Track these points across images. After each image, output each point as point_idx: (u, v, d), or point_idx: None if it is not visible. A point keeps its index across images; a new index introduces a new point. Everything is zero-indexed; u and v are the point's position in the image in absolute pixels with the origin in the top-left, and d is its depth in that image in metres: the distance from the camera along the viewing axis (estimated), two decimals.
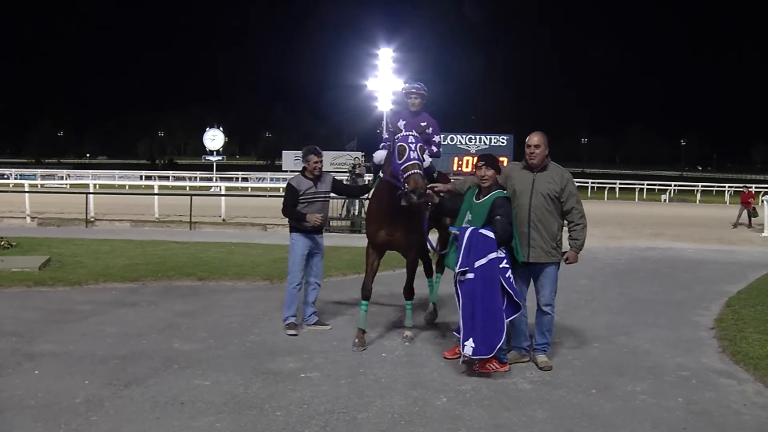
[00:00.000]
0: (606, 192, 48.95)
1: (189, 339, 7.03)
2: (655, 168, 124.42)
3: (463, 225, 6.16)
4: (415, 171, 6.11)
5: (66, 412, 4.99)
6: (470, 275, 5.92)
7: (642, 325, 7.98)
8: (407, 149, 6.22)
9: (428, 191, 6.34)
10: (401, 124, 7.16)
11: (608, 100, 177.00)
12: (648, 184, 52.76)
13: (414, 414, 5.06)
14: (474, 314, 5.88)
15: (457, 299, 6.06)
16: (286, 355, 6.48)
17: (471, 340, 5.86)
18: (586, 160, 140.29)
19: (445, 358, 6.36)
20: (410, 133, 6.38)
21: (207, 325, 7.57)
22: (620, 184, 52.33)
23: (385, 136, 7.42)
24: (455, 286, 6.09)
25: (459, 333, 6.00)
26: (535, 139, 6.14)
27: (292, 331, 7.23)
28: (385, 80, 41.45)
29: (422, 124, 7.13)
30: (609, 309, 8.88)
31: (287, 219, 7.52)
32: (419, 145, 6.32)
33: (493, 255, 5.90)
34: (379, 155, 7.20)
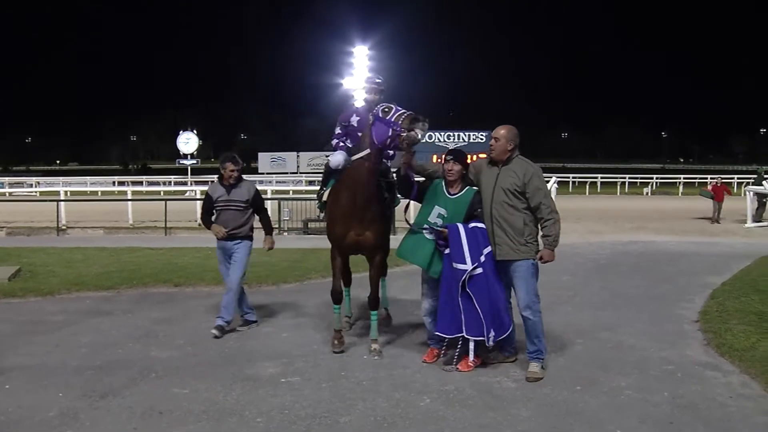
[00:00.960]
0: (587, 186, 49.33)
1: (166, 347, 6.99)
2: (636, 161, 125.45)
3: (435, 219, 6.13)
4: (409, 112, 6.05)
5: (39, 427, 4.94)
6: (479, 270, 5.94)
7: (625, 319, 8.04)
8: (392, 106, 6.18)
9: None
10: (355, 120, 7.16)
11: (588, 95, 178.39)
12: (630, 178, 53.20)
13: (397, 416, 5.07)
14: (490, 306, 5.95)
15: (460, 301, 5.96)
16: (265, 360, 6.46)
17: (492, 330, 5.95)
18: (566, 154, 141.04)
19: (425, 362, 6.32)
20: (388, 104, 6.28)
21: (185, 332, 7.53)
22: (602, 178, 52.70)
23: (337, 131, 7.25)
24: (447, 285, 6.03)
25: (471, 336, 5.99)
26: (499, 132, 5.97)
27: (215, 332, 7.30)
28: (361, 78, 41.47)
29: None
30: (592, 304, 8.94)
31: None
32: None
33: (489, 247, 5.98)
34: (337, 159, 6.83)
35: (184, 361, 6.47)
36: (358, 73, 41.59)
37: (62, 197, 22.82)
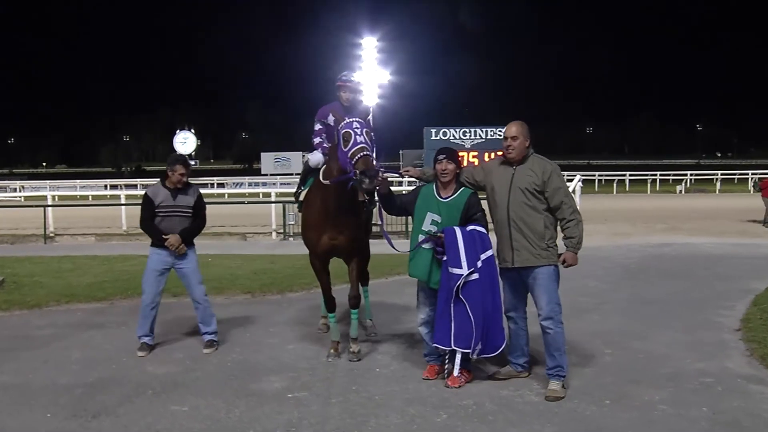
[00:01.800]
0: (615, 185, 49.15)
1: (163, 361, 7.02)
2: (668, 157, 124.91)
3: (429, 227, 6.13)
4: (365, 153, 6.04)
5: None
6: (475, 276, 5.91)
7: (658, 328, 8.00)
8: (352, 134, 6.16)
9: (383, 176, 6.25)
10: (330, 119, 7.19)
11: (613, 86, 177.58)
12: (661, 175, 52.96)
13: None
14: (483, 316, 5.92)
15: (452, 309, 5.96)
16: (270, 374, 6.48)
17: (480, 342, 5.94)
18: (591, 151, 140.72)
19: (426, 379, 6.26)
20: (353, 119, 6.32)
21: (183, 346, 7.57)
22: (630, 175, 52.50)
23: (316, 128, 7.34)
24: (446, 293, 6.00)
25: (459, 348, 5.98)
26: (512, 129, 5.92)
27: (141, 353, 7.23)
28: (369, 72, 41.51)
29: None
30: (620, 312, 8.92)
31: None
32: (365, 130, 6.25)
33: (489, 252, 5.98)
34: (317, 158, 7.09)
35: (182, 377, 6.49)
36: (367, 67, 41.65)
37: (49, 202, 22.90)
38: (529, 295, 6.11)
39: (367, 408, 5.57)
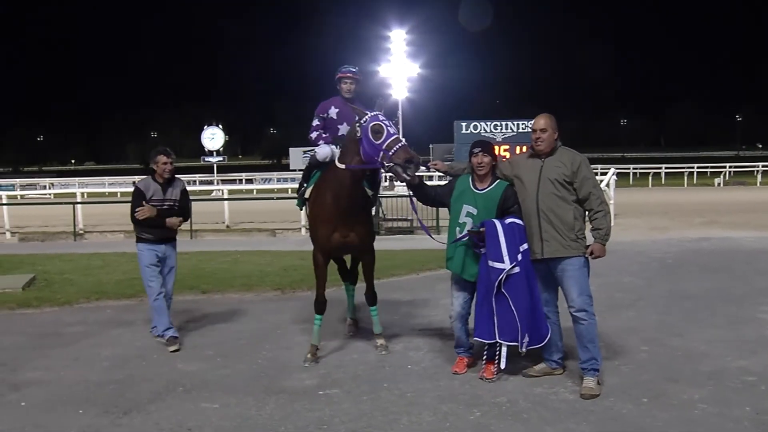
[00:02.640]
0: (650, 178, 48.68)
1: (194, 358, 7.08)
2: (706, 149, 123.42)
3: (464, 219, 6.16)
4: (403, 143, 6.18)
5: None
6: (517, 269, 5.92)
7: (696, 324, 7.92)
8: (384, 127, 6.25)
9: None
10: (333, 112, 7.31)
11: (648, 76, 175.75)
12: (699, 167, 52.38)
13: (444, 430, 5.07)
14: (529, 307, 5.94)
15: (494, 302, 5.95)
16: (301, 372, 6.52)
17: (526, 335, 5.94)
18: (626, 143, 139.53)
19: (456, 373, 6.32)
20: (377, 112, 6.41)
21: (213, 343, 7.63)
22: (666, 168, 51.98)
23: (315, 123, 7.37)
24: (485, 286, 6.01)
25: (504, 341, 5.98)
26: (541, 122, 5.95)
27: (173, 347, 7.37)
28: (398, 65, 41.52)
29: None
30: (657, 308, 8.83)
31: (136, 229, 7.65)
32: (392, 121, 6.43)
33: (526, 244, 5.98)
34: (324, 152, 7.08)
35: (213, 374, 6.55)
36: (396, 60, 41.65)
37: (79, 199, 23.16)
38: (558, 289, 6.12)
39: (398, 405, 5.57)
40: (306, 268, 11.37)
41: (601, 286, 9.82)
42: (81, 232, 19.88)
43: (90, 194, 35.64)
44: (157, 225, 7.42)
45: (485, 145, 6.25)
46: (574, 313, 5.86)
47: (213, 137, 59.40)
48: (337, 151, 6.97)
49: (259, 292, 10.33)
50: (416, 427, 5.15)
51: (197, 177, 53.10)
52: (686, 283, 10.51)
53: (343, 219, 6.75)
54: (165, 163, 7.44)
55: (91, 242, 18.72)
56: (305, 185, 7.25)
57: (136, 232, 7.60)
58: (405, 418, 5.30)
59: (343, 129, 7.28)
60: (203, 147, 60.70)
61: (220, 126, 61.74)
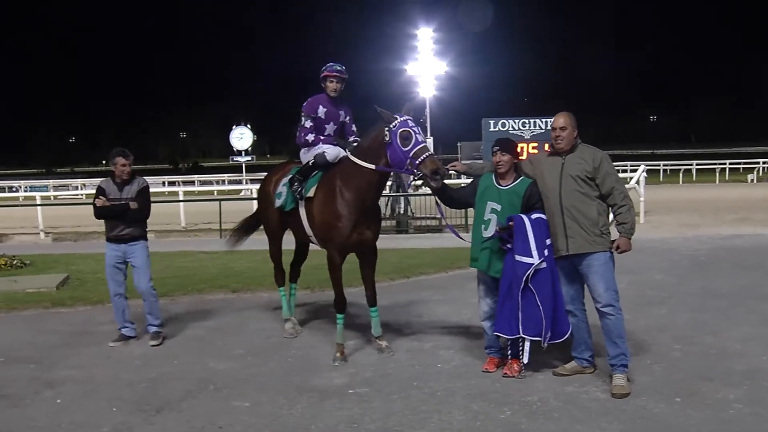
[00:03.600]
0: (681, 175, 48.21)
1: (224, 357, 7.12)
2: (737, 144, 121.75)
3: (489, 216, 6.17)
4: (430, 152, 6.30)
5: None
6: (544, 265, 5.93)
7: (730, 322, 7.81)
8: (412, 134, 6.33)
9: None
10: (321, 111, 7.34)
11: (677, 72, 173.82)
12: (730, 164, 51.72)
13: (475, 429, 5.06)
14: (552, 303, 5.96)
15: (519, 297, 5.94)
16: (331, 371, 6.54)
17: (550, 330, 5.97)
18: (655, 140, 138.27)
19: (486, 371, 6.31)
20: (406, 117, 6.46)
21: (243, 342, 7.67)
22: (697, 165, 51.42)
23: (308, 125, 7.36)
24: (509, 281, 6.01)
25: (528, 336, 5.98)
26: (560, 120, 5.97)
27: (114, 343, 7.63)
28: (426, 63, 41.44)
29: (341, 112, 7.46)
30: (689, 306, 8.73)
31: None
32: (419, 127, 6.49)
33: (549, 240, 5.99)
34: (336, 152, 7.14)
35: (243, 372, 6.58)
36: (423, 58, 41.56)
37: None
38: (584, 286, 6.10)
39: (429, 404, 5.57)
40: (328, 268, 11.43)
41: (632, 283, 9.75)
42: None
43: None
44: (116, 219, 7.59)
45: (504, 144, 6.27)
46: (601, 309, 5.85)
47: (241, 137, 59.75)
48: (344, 151, 7.10)
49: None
50: (447, 425, 5.14)
51: (226, 177, 53.34)
52: (719, 280, 10.38)
53: (364, 217, 6.83)
54: (123, 165, 7.59)
55: None
56: (303, 184, 7.16)
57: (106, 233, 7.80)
58: (435, 417, 5.29)
59: (330, 128, 7.42)
60: (232, 147, 61.13)
61: (249, 126, 62.08)
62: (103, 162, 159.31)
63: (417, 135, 6.33)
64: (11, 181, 57.91)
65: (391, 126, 6.41)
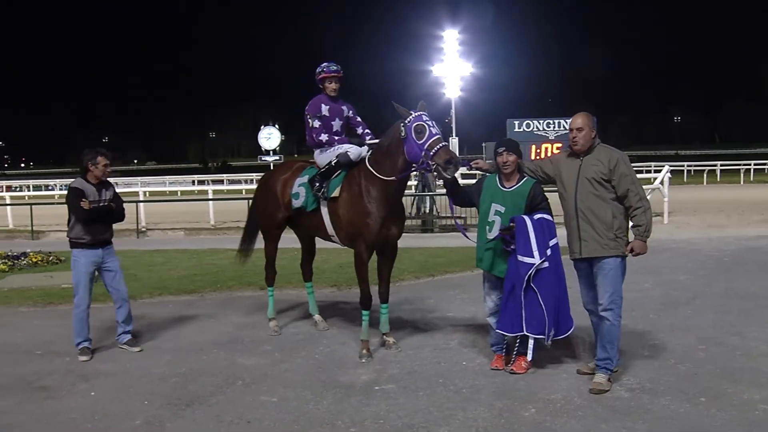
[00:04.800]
0: (705, 175, 47.72)
1: (252, 353, 7.15)
2: (762, 145, 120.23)
3: (493, 217, 6.16)
4: (444, 143, 6.35)
5: None
6: (545, 264, 5.94)
7: (756, 324, 7.70)
8: (426, 127, 6.40)
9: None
10: (325, 109, 7.37)
11: (702, 72, 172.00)
12: (755, 164, 51.02)
13: (500, 427, 5.04)
14: (556, 302, 5.98)
15: (522, 296, 5.96)
16: (357, 367, 6.54)
17: (553, 328, 5.98)
18: (680, 140, 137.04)
19: (497, 369, 6.30)
20: (420, 112, 6.52)
21: (271, 338, 7.69)
22: (722, 165, 50.82)
23: (317, 125, 7.34)
24: (512, 281, 6.02)
25: (532, 334, 6.01)
26: (578, 121, 5.88)
27: (84, 357, 7.11)
28: (451, 65, 41.35)
29: (343, 107, 7.50)
30: (714, 307, 8.62)
31: (70, 235, 7.29)
32: (434, 121, 6.52)
33: (555, 240, 6.01)
34: (358, 151, 7.16)
35: (271, 368, 6.61)
36: (449, 59, 41.47)
37: (141, 198, 23.57)
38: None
39: (454, 401, 5.56)
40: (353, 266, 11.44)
41: (657, 284, 9.69)
42: (143, 229, 20.24)
43: (152, 193, 36.26)
44: (100, 221, 7.21)
45: (509, 144, 6.28)
46: (601, 312, 5.82)
47: (270, 137, 59.77)
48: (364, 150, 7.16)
49: (316, 288, 10.31)
50: (472, 423, 5.13)
51: (254, 176, 53.51)
52: (744, 281, 10.25)
53: (390, 214, 6.89)
54: (106, 165, 7.22)
55: (153, 239, 19.05)
56: (324, 184, 7.14)
57: (71, 238, 7.27)
58: (460, 414, 5.28)
59: (336, 125, 7.46)
60: (260, 146, 61.33)
61: (277, 126, 62.23)
62: (135, 161, 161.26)
63: (431, 128, 6.39)
64: (47, 180, 58.42)
65: (406, 121, 6.49)
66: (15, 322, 8.93)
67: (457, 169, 6.37)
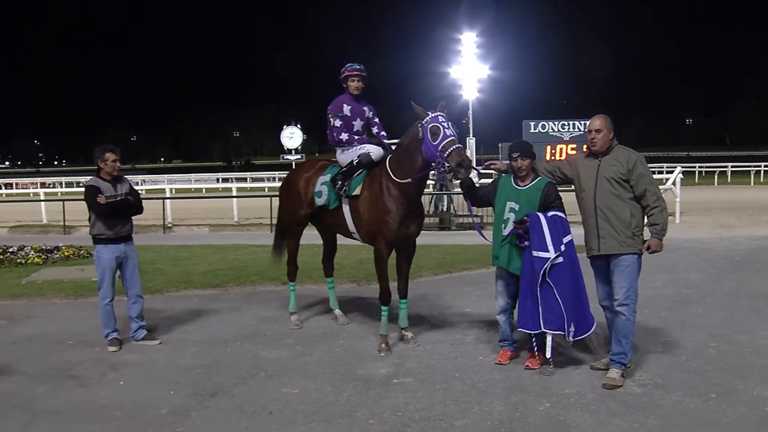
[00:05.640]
0: (716, 176, 47.33)
1: (274, 346, 7.17)
2: None
3: (508, 215, 6.15)
4: (457, 145, 6.32)
5: (152, 424, 5.19)
6: (560, 259, 5.89)
7: (766, 322, 7.63)
8: (441, 128, 6.38)
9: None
10: (346, 109, 7.36)
11: (714, 75, 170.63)
12: (765, 166, 50.52)
13: (515, 420, 5.03)
14: (573, 297, 5.91)
15: (539, 292, 5.91)
16: (376, 361, 6.55)
17: (572, 324, 5.90)
18: (692, 142, 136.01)
19: (501, 364, 6.30)
20: (437, 113, 6.49)
21: (292, 332, 7.71)
22: (732, 167, 50.38)
23: (338, 124, 7.34)
24: (529, 278, 5.97)
25: (549, 330, 5.94)
26: (596, 123, 5.88)
27: (113, 348, 7.15)
28: (469, 67, 41.25)
29: (365, 108, 7.48)
30: (725, 305, 8.55)
31: (92, 232, 7.27)
32: (450, 122, 6.49)
33: (570, 236, 5.97)
34: (378, 152, 7.15)
35: (293, 361, 6.62)
36: (467, 62, 41.35)
37: (167, 195, 23.68)
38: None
39: (470, 395, 5.55)
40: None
41: (669, 282, 9.62)
42: (170, 225, 20.34)
43: (178, 190, 36.39)
44: (120, 215, 7.21)
45: (523, 149, 6.23)
46: (617, 307, 5.80)
47: (292, 136, 60.16)
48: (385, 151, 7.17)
49: (337, 284, 10.33)
50: (487, 416, 5.12)
51: (276, 174, 53.69)
52: (755, 280, 10.15)
53: (409, 212, 6.90)
54: (114, 161, 7.17)
55: (179, 235, 19.14)
56: (346, 182, 7.14)
57: (93, 234, 7.27)
58: (476, 408, 5.27)
59: (357, 125, 7.45)
60: (282, 145, 61.53)
61: (299, 125, 62.39)
62: (162, 159, 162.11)
63: (445, 129, 6.36)
64: (78, 177, 58.81)
65: (423, 122, 6.49)
66: (49, 313, 9.02)
67: (469, 172, 6.37)
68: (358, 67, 7.40)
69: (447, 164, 6.29)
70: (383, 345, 6.86)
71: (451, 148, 6.26)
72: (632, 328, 5.81)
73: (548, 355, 6.06)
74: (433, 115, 6.47)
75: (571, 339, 5.96)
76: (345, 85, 7.47)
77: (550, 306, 5.91)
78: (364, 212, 7.00)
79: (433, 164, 6.56)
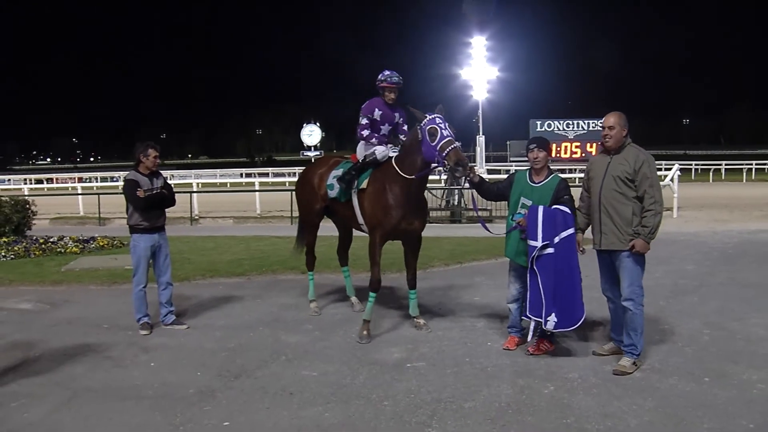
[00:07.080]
0: (711, 174, 47.03)
1: (295, 331, 7.19)
2: (765, 146, 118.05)
3: (520, 210, 6.11)
4: (453, 145, 6.26)
5: (181, 402, 5.22)
6: (550, 250, 5.85)
7: (756, 311, 7.60)
8: (438, 129, 6.33)
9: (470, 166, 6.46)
10: (377, 114, 7.28)
11: (711, 77, 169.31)
12: (757, 164, 50.19)
13: (521, 403, 5.03)
14: (555, 289, 5.85)
15: (528, 279, 5.95)
16: (391, 346, 6.55)
17: (553, 314, 5.84)
18: (688, 141, 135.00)
19: (508, 349, 6.28)
20: (434, 115, 6.44)
21: (312, 318, 7.74)
22: (726, 165, 50.05)
23: (364, 122, 7.27)
24: (523, 266, 6.02)
25: (532, 316, 5.96)
26: (610, 120, 5.77)
27: (145, 331, 7.22)
28: (479, 69, 41.10)
29: (395, 114, 7.37)
30: (718, 294, 8.52)
31: (130, 222, 7.33)
32: (447, 124, 6.43)
33: (571, 230, 5.89)
34: (383, 152, 7.11)
35: (312, 346, 6.65)
36: (477, 64, 41.20)
37: (195, 189, 23.76)
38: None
39: (479, 378, 5.55)
40: (395, 252, 11.37)
41: (666, 273, 9.59)
42: (196, 217, 20.41)
43: (204, 184, 36.51)
44: (156, 208, 7.30)
45: (540, 141, 6.22)
46: (623, 302, 5.74)
47: (311, 134, 60.06)
48: (389, 150, 7.15)
49: (352, 273, 10.33)
50: (495, 398, 5.12)
51: (296, 169, 53.70)
52: (746, 272, 10.11)
53: (412, 209, 6.87)
54: (155, 156, 7.27)
55: (205, 226, 19.21)
56: (356, 178, 7.16)
57: (131, 225, 7.34)
58: (485, 390, 5.27)
59: (385, 129, 7.39)
60: (302, 142, 61.47)
61: (318, 123, 62.29)
62: (189, 155, 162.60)
63: (443, 130, 6.32)
64: (112, 172, 59.13)
65: (422, 124, 6.46)
66: (86, 299, 9.10)
67: (466, 170, 6.29)
68: (396, 79, 7.22)
69: (445, 164, 6.26)
70: (364, 332, 6.82)
71: (449, 148, 6.22)
72: (640, 321, 5.73)
73: (529, 338, 6.09)
74: (430, 117, 6.43)
75: (548, 327, 5.90)
76: (381, 93, 7.34)
77: (534, 293, 5.91)
78: (367, 206, 7.03)
79: (433, 164, 6.54)
